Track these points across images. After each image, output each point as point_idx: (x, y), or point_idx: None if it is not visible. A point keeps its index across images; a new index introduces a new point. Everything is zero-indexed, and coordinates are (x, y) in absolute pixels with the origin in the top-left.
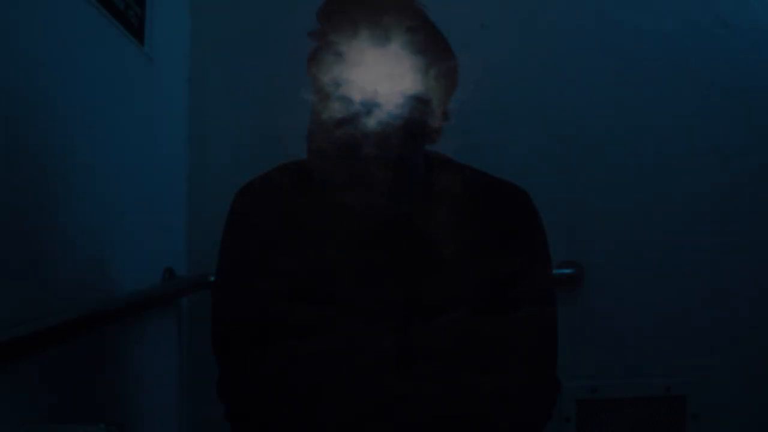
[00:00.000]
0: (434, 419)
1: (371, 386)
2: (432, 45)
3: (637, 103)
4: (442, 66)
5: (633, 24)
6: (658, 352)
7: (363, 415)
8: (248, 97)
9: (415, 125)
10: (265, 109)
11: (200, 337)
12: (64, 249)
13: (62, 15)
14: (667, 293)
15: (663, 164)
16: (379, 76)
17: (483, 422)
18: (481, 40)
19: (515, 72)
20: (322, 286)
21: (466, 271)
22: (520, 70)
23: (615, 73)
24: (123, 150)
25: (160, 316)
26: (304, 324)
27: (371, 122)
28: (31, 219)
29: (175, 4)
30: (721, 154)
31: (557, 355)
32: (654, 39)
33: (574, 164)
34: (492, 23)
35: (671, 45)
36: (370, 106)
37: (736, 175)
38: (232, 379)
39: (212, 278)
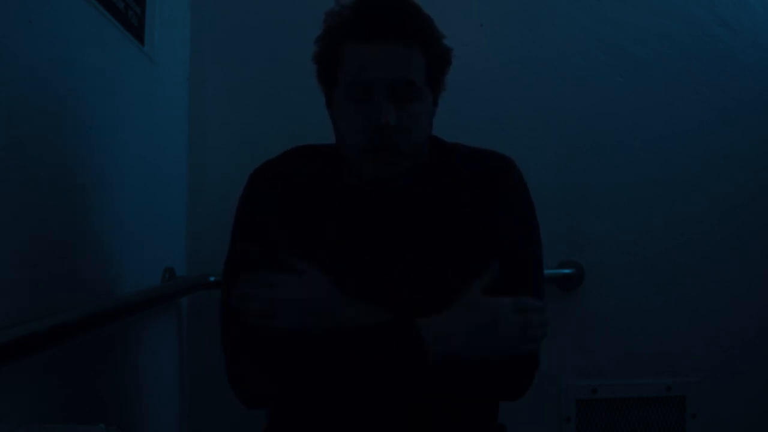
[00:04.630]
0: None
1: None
2: (430, 40)
3: (638, 104)
4: (443, 63)
5: (633, 24)
6: (658, 352)
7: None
8: (248, 97)
9: (427, 118)
10: (265, 109)
11: (200, 337)
12: (64, 249)
13: (62, 15)
14: (667, 293)
15: (663, 164)
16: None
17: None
18: (480, 40)
19: (515, 72)
20: (325, 263)
21: (456, 240)
22: (520, 69)
23: (615, 74)
24: (123, 150)
25: (160, 316)
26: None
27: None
28: (31, 219)
29: (175, 4)
30: (722, 154)
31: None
32: (654, 39)
33: (575, 164)
34: (492, 23)
35: (672, 45)
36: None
37: (736, 176)
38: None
39: (212, 278)
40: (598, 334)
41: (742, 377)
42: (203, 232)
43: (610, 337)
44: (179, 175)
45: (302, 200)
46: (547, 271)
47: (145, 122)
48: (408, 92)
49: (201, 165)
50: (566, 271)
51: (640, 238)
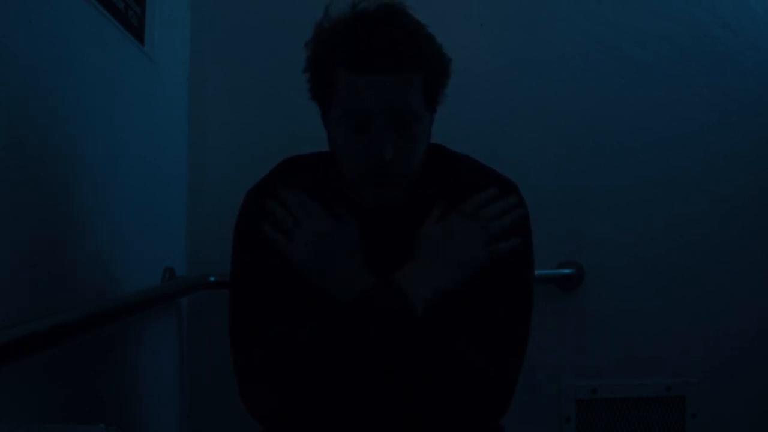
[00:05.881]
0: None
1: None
2: (429, 62)
3: (638, 106)
4: (442, 80)
5: (634, 26)
6: (658, 352)
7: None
8: (248, 97)
9: (426, 137)
10: (265, 109)
11: (200, 337)
12: (64, 249)
13: (62, 15)
14: (666, 294)
15: (663, 166)
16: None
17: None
18: (480, 42)
19: (515, 74)
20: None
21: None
22: (520, 72)
23: (616, 75)
24: (123, 150)
25: (160, 316)
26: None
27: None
28: (31, 219)
29: (175, 4)
30: (723, 155)
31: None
32: (655, 41)
33: (575, 166)
34: (491, 25)
35: (672, 47)
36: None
37: (736, 177)
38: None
39: (212, 278)
40: (598, 335)
41: (742, 377)
42: (203, 232)
43: (610, 338)
44: (179, 175)
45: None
46: (547, 271)
47: (145, 122)
48: (407, 120)
49: (201, 165)
50: (566, 271)
51: (640, 240)
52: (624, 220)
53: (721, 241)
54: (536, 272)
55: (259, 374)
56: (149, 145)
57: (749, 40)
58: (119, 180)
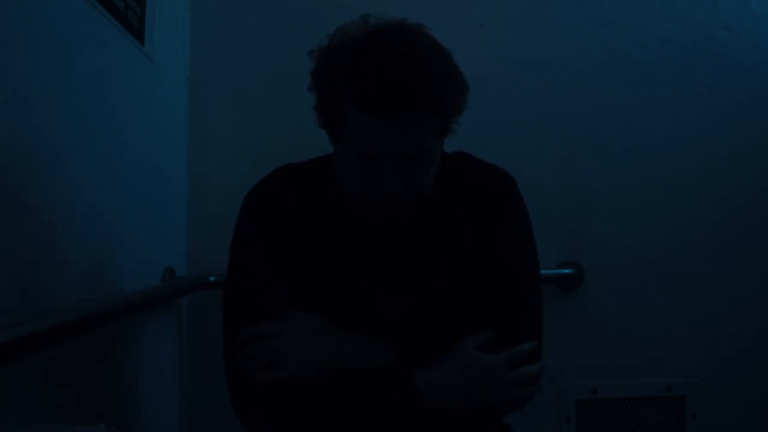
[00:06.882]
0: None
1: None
2: (445, 98)
3: (639, 106)
4: (458, 111)
5: (636, 27)
6: (658, 352)
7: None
8: (248, 97)
9: (437, 160)
10: (265, 109)
11: (200, 337)
12: (64, 249)
13: (62, 15)
14: (667, 294)
15: (664, 166)
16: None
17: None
18: (482, 43)
19: (517, 75)
20: (323, 289)
21: (453, 254)
22: (522, 72)
23: (617, 76)
24: (123, 150)
25: (160, 316)
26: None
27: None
28: (31, 219)
29: (175, 4)
30: (723, 156)
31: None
32: (657, 42)
33: (576, 166)
34: (493, 26)
35: (674, 48)
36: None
37: (737, 177)
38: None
39: (212, 278)
40: (598, 335)
41: (742, 378)
42: (203, 232)
43: (610, 338)
44: (179, 175)
45: (297, 222)
46: (547, 271)
47: (145, 122)
48: (419, 156)
49: (201, 165)
50: (566, 271)
51: (640, 240)
52: (624, 220)
53: (722, 241)
54: None
55: (256, 398)
56: (149, 145)
57: (750, 41)
58: (119, 180)
